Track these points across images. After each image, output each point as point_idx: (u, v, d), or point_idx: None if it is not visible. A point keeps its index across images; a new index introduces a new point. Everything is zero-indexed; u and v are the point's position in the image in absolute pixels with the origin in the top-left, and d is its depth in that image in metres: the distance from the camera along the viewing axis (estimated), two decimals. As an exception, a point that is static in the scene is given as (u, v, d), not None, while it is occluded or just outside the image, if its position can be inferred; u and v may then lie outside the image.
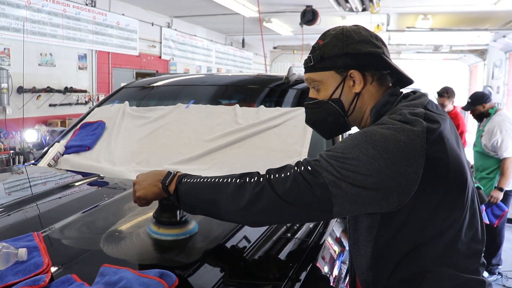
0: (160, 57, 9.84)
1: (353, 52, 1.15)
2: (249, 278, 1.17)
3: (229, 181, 1.10)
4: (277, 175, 1.05)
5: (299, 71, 2.41)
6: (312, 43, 1.23)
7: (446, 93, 4.79)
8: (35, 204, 1.56)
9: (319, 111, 1.22)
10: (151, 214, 1.47)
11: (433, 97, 4.64)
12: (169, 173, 1.19)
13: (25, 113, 6.00)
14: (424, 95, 1.16)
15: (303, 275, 1.18)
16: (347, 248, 1.49)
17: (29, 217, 1.45)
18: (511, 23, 9.47)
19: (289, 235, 1.44)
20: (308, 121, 1.27)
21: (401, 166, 0.99)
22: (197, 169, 1.83)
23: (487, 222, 3.53)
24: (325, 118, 1.21)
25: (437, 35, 11.67)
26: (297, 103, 2.15)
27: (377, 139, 1.01)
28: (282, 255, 1.31)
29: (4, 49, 5.96)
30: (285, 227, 1.47)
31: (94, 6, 7.57)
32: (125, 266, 1.06)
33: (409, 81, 1.24)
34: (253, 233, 1.39)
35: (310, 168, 1.02)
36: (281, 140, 1.91)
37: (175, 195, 1.16)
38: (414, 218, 1.05)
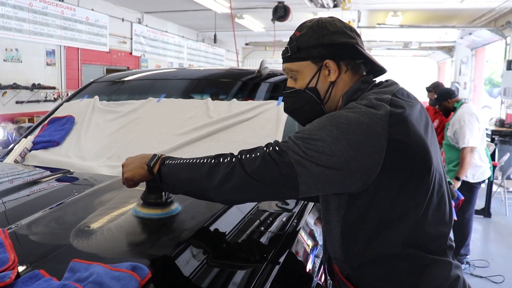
0: (131, 53, 9.69)
1: (328, 43, 1.19)
2: (230, 260, 1.20)
3: (205, 161, 1.15)
4: (247, 155, 1.10)
5: (271, 67, 2.42)
6: (284, 39, 1.26)
7: (433, 88, 4.93)
8: (1, 201, 1.51)
9: (296, 99, 1.25)
10: (123, 208, 1.45)
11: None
12: (154, 155, 1.25)
13: (-10, 111, 5.82)
14: (395, 83, 1.21)
15: (282, 258, 1.21)
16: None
17: (-6, 213, 1.40)
18: (477, 21, 9.74)
19: (269, 220, 1.47)
20: (287, 110, 1.31)
21: (364, 148, 1.03)
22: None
23: None
24: (303, 106, 1.25)
25: (407, 32, 11.89)
26: (269, 96, 2.15)
27: (341, 122, 1.06)
28: (263, 239, 1.34)
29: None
30: (264, 213, 1.49)
31: (62, 1, 7.39)
32: (96, 260, 1.03)
33: (382, 70, 1.28)
34: (232, 218, 1.41)
35: (278, 149, 1.08)
36: (253, 133, 1.90)
37: (158, 176, 1.22)
38: (379, 198, 1.09)
